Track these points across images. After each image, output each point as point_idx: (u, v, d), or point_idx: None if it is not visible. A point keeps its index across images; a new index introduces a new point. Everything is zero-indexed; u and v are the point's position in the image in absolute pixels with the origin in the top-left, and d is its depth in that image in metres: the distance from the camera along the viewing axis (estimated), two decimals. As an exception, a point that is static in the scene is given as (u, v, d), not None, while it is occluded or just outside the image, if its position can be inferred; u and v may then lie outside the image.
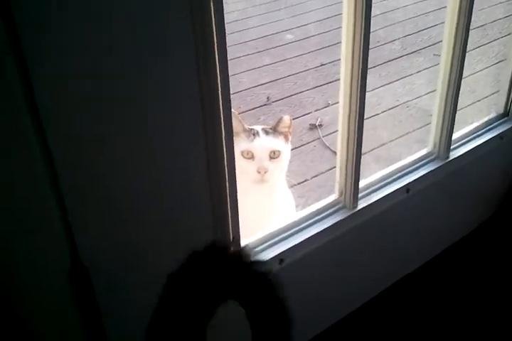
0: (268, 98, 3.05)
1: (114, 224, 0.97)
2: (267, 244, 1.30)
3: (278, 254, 1.29)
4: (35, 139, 0.82)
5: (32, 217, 0.88)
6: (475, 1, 1.46)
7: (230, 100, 1.03)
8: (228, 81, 1.00)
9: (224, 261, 0.77)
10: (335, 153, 2.23)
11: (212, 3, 0.93)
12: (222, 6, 0.95)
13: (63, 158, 0.86)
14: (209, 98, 0.99)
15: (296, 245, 1.31)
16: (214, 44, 0.96)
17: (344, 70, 1.31)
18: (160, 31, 0.89)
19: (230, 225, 1.13)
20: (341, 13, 1.27)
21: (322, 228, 1.36)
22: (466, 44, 1.51)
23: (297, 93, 3.09)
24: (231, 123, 1.04)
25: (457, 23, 1.47)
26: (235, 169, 1.10)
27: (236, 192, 1.12)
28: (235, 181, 1.11)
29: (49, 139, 0.83)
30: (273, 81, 3.18)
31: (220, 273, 0.76)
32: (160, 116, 0.95)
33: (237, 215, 1.14)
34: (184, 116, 0.98)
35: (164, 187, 1.01)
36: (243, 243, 1.24)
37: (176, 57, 0.93)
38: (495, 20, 3.58)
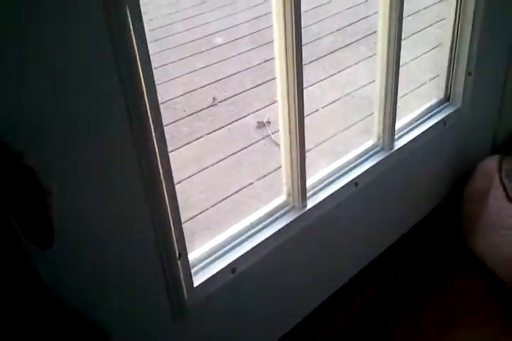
0: (214, 99, 3.00)
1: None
2: (217, 253, 1.26)
3: (230, 263, 1.25)
4: None
5: None
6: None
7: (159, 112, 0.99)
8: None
9: None
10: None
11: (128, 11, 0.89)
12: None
13: None
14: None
15: (247, 252, 1.28)
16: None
17: (279, 67, 1.29)
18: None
19: (175, 240, 1.08)
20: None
21: (272, 232, 1.33)
22: (401, 32, 1.51)
23: (243, 91, 3.05)
24: (162, 127, 1.00)
25: (390, 12, 1.47)
26: (173, 184, 1.05)
27: (177, 205, 1.07)
28: (175, 194, 1.06)
29: None
30: (217, 81, 3.14)
31: None
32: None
33: (181, 228, 1.10)
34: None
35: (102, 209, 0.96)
36: (192, 255, 1.20)
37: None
38: (430, 5, 3.61)
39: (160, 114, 1.00)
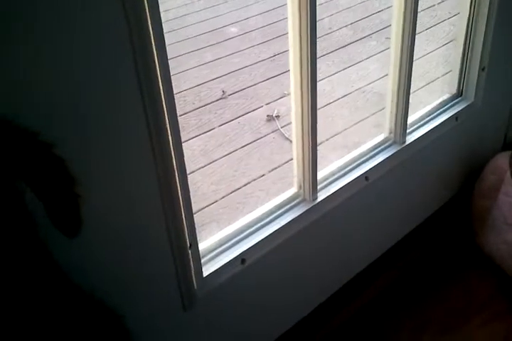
0: (223, 92, 2.99)
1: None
2: (227, 244, 1.26)
3: (239, 254, 1.25)
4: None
5: None
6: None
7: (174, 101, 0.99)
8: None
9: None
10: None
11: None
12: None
13: None
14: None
15: (257, 243, 1.28)
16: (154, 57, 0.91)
17: (293, 60, 1.28)
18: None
19: (186, 230, 1.08)
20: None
21: (283, 223, 1.33)
22: (415, 26, 1.50)
23: (252, 85, 3.04)
24: (176, 118, 1.00)
25: (405, 6, 1.45)
26: (186, 174, 1.05)
27: (189, 194, 1.07)
28: (187, 185, 1.06)
29: None
30: (227, 74, 3.13)
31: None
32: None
33: (192, 218, 1.10)
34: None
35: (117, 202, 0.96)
36: (202, 245, 1.20)
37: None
38: (443, 1, 3.59)
39: (174, 103, 1.00)
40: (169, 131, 0.99)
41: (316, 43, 1.24)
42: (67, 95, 0.85)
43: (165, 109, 0.97)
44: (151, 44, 0.91)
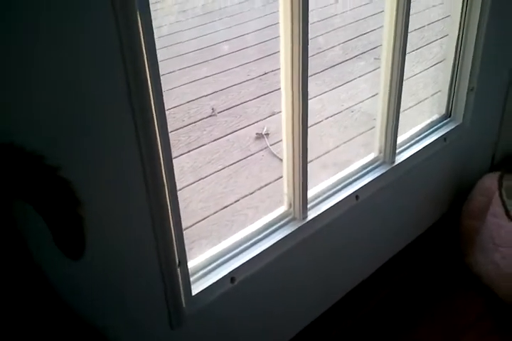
0: (213, 109, 3.00)
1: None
2: (216, 262, 1.25)
3: (229, 273, 1.24)
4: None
5: None
6: (411, 5, 1.46)
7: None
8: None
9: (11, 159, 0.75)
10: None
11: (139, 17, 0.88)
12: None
13: None
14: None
15: (247, 262, 1.27)
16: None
17: (284, 79, 1.28)
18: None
19: (175, 248, 1.07)
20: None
21: (272, 242, 1.32)
22: (406, 47, 1.51)
23: (242, 103, 3.05)
24: (167, 133, 1.00)
25: (395, 27, 1.47)
26: (176, 191, 1.05)
27: (179, 212, 1.06)
28: (177, 202, 1.05)
29: None
30: (217, 92, 3.14)
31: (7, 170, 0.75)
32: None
33: (182, 235, 1.09)
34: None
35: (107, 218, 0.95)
36: (191, 263, 1.19)
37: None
38: (431, 23, 3.64)
39: (166, 120, 0.99)
40: (160, 151, 0.99)
41: (307, 62, 1.24)
42: (66, 115, 0.85)
43: (156, 128, 0.97)
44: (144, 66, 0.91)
